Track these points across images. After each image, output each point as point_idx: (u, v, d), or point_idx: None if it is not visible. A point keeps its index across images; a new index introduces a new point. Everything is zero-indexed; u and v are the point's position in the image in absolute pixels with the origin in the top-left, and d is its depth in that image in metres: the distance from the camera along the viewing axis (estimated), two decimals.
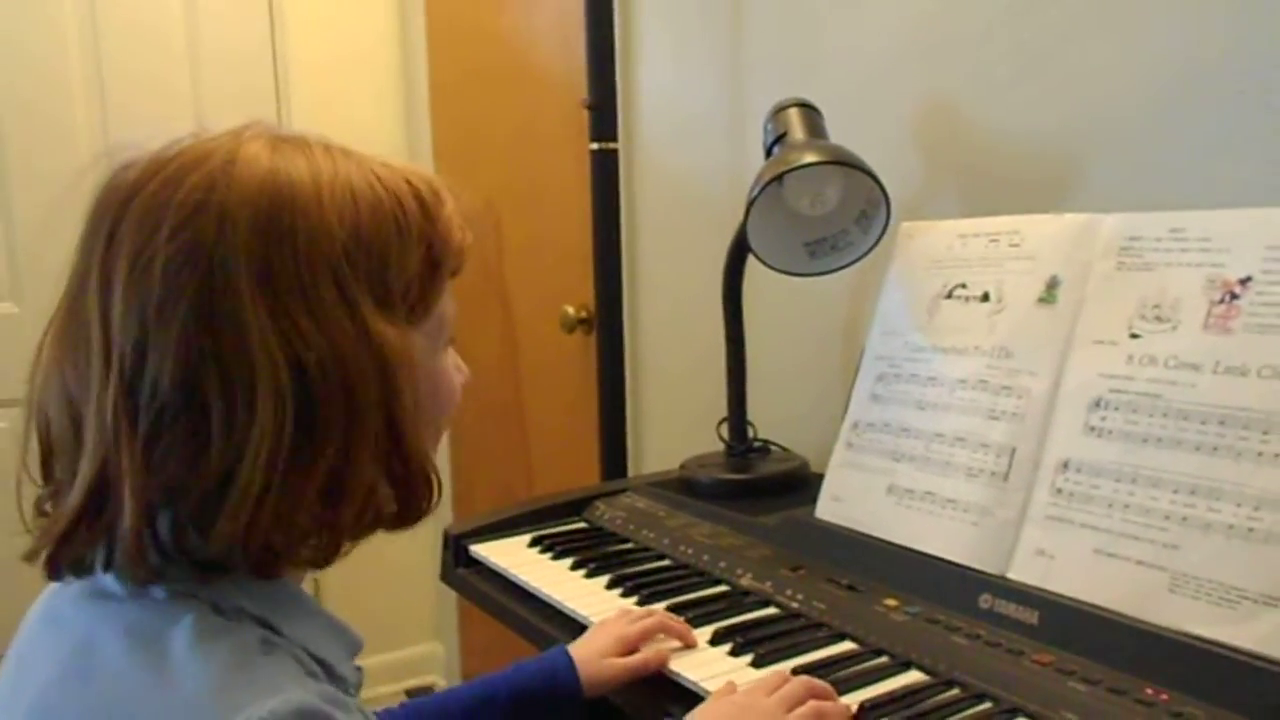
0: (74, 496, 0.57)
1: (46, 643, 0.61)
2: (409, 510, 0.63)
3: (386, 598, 2.53)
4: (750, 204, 1.08)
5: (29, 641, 0.63)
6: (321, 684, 0.57)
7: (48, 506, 0.61)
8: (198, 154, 0.58)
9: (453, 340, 0.69)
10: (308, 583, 0.67)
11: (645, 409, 1.79)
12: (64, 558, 0.58)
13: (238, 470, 0.55)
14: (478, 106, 2.26)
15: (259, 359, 0.55)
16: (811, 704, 0.76)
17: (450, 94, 2.39)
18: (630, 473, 1.74)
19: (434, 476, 0.63)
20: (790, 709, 0.75)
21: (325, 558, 0.60)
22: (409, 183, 0.62)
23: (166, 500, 0.56)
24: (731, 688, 0.80)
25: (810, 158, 1.06)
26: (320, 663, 0.60)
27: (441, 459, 2.55)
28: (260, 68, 2.39)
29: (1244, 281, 0.79)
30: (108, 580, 0.59)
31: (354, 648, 0.66)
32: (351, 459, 0.57)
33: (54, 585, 0.63)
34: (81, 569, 0.59)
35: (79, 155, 2.13)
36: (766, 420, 1.35)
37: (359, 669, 0.66)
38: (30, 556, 0.59)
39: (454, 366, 0.70)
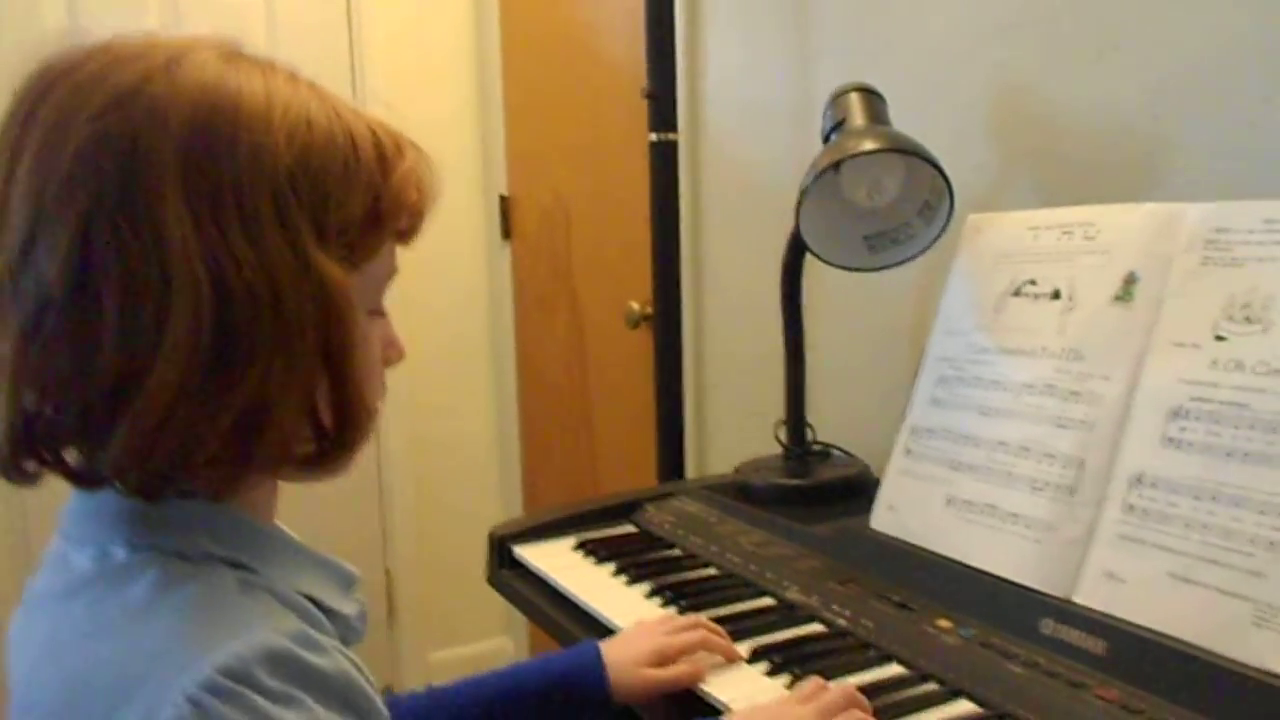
0: None
1: (24, 630, 0.59)
2: (333, 458, 0.58)
3: (455, 592, 2.52)
4: (803, 194, 1.02)
5: (14, 627, 0.61)
6: (297, 623, 0.54)
7: None
8: (139, 47, 0.54)
9: (383, 314, 0.64)
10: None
11: (710, 407, 1.74)
12: None
13: (142, 382, 0.51)
14: (548, 102, 2.24)
15: (176, 267, 0.50)
16: (854, 713, 0.71)
17: (522, 93, 2.37)
18: (693, 473, 1.70)
19: (369, 427, 0.59)
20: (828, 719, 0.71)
21: (222, 490, 0.56)
22: (372, 130, 0.58)
23: (45, 399, 0.52)
24: None
25: (868, 145, 1.00)
26: (311, 600, 0.58)
27: (512, 457, 2.55)
28: (338, 77, 2.39)
29: None
30: (74, 557, 0.57)
31: (346, 581, 0.63)
32: (277, 390, 0.53)
33: (37, 569, 0.61)
34: None
35: None
36: (828, 422, 1.29)
37: (359, 601, 0.63)
38: None
39: (384, 340, 0.64)
